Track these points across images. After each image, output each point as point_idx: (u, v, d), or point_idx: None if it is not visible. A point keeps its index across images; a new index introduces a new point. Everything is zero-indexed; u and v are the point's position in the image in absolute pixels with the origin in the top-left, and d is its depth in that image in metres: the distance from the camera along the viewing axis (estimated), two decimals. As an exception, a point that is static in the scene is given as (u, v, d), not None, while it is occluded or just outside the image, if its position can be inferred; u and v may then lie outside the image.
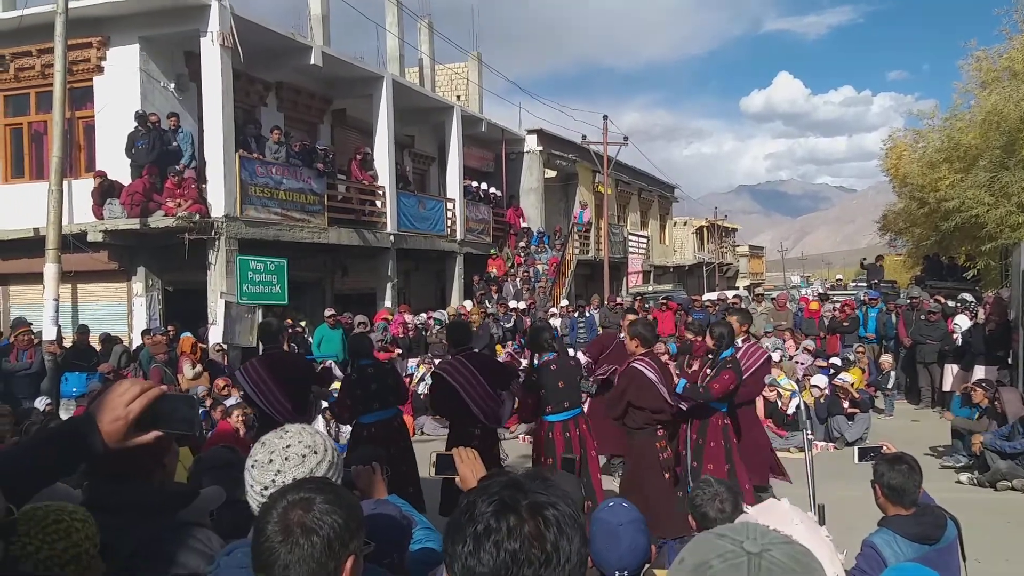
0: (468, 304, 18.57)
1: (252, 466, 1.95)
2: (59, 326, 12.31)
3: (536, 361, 6.89)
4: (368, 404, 7.05)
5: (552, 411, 6.65)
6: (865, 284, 21.82)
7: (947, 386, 12.91)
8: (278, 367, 7.04)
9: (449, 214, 21.22)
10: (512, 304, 18.48)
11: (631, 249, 30.49)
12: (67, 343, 12.60)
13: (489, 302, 19.08)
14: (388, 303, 17.90)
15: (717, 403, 6.79)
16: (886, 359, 13.91)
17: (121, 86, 14.22)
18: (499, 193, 24.60)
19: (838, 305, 16.77)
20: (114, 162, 13.82)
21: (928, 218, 25.30)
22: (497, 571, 1.20)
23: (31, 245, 13.52)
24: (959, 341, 12.99)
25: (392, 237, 18.29)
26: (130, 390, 1.83)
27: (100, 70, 14.47)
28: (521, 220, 24.79)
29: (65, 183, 12.78)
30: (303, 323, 14.97)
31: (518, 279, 22.22)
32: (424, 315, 17.03)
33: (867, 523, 4.02)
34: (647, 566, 2.80)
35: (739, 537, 1.10)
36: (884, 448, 4.22)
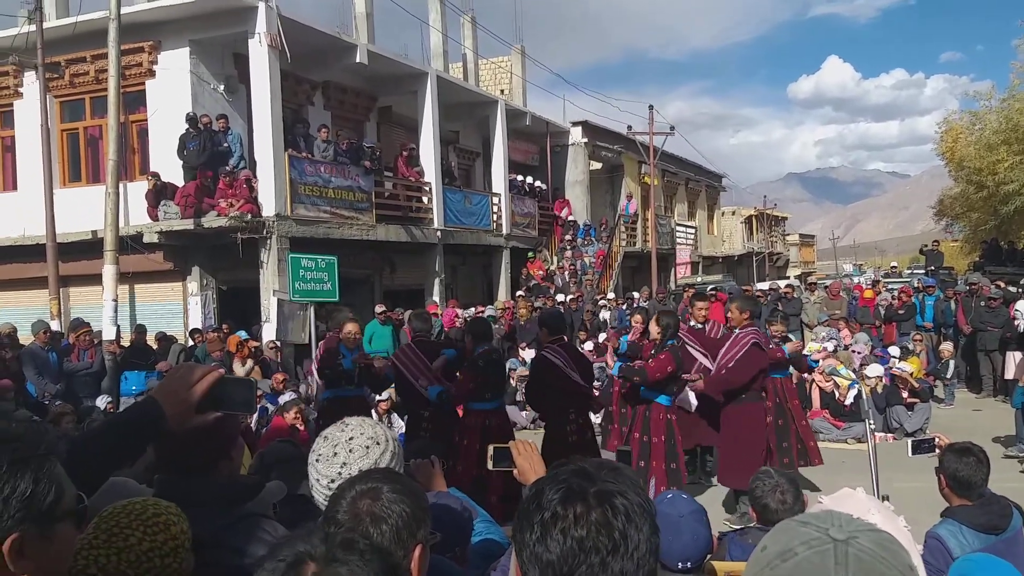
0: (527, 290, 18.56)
1: (316, 460, 1.98)
2: (118, 326, 12.61)
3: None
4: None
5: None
6: (922, 271, 21.35)
7: (1009, 374, 12.51)
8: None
9: (495, 208, 21.24)
10: (559, 298, 18.44)
11: (679, 240, 30.22)
12: (125, 343, 12.90)
13: (540, 295, 19.06)
14: (436, 298, 18.00)
15: (657, 395, 6.93)
16: (946, 347, 13.58)
17: (172, 89, 14.50)
18: (544, 186, 24.54)
19: (894, 293, 16.42)
20: (167, 164, 14.09)
21: (986, 202, 24.67)
22: (564, 558, 1.19)
23: (89, 247, 13.86)
24: (1021, 327, 12.62)
25: (439, 233, 18.37)
26: (191, 373, 1.89)
27: (152, 74, 14.77)
28: (568, 212, 24.63)
29: (121, 186, 13.08)
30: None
31: (566, 272, 22.17)
32: (474, 309, 17.09)
33: (929, 515, 3.94)
34: (708, 557, 2.77)
35: (824, 524, 1.07)
36: (937, 440, 4.13)
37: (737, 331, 7.18)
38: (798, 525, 1.10)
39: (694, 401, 7.25)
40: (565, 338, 7.46)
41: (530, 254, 22.28)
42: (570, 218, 24.89)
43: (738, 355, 6.96)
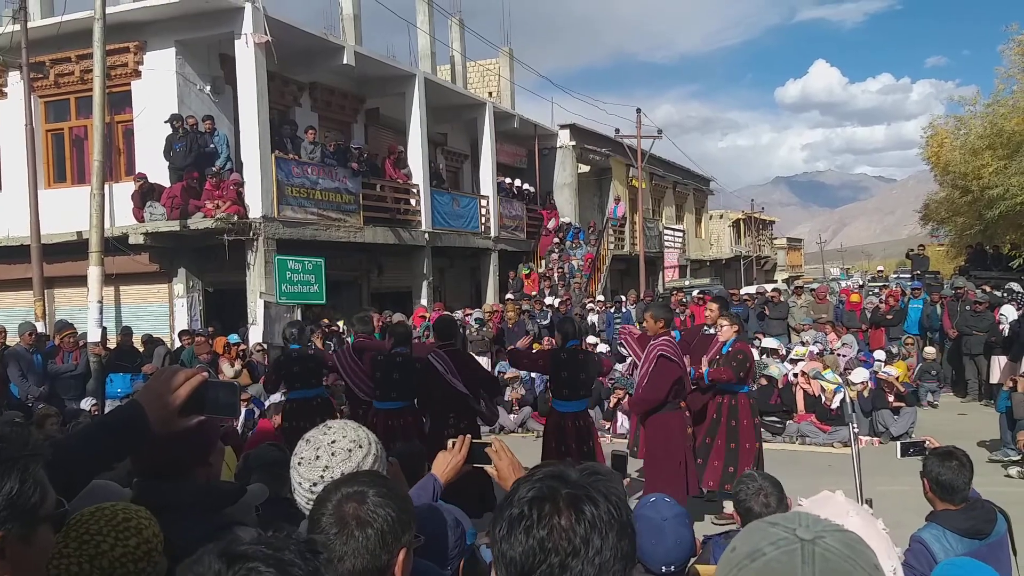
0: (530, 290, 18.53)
1: (299, 463, 1.96)
2: (103, 328, 12.52)
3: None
4: (291, 383, 8.44)
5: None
6: (907, 275, 21.49)
7: (994, 378, 12.63)
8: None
9: (483, 211, 21.24)
10: (548, 300, 18.46)
11: (667, 243, 30.29)
12: (111, 345, 12.82)
13: (526, 298, 19.06)
14: (424, 301, 17.98)
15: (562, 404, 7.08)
16: (929, 351, 13.64)
17: (158, 90, 14.43)
18: (532, 189, 24.56)
19: (881, 297, 16.50)
20: (153, 165, 14.02)
21: (971, 207, 24.86)
22: (526, 556, 1.22)
23: (74, 248, 13.77)
24: (1006, 332, 12.71)
25: (427, 235, 18.35)
26: (175, 377, 1.88)
27: (138, 74, 14.69)
28: (555, 223, 24.42)
29: (106, 187, 13.00)
30: (340, 322, 15.09)
31: (554, 274, 22.17)
32: (460, 312, 17.06)
33: (914, 518, 3.96)
34: (692, 560, 2.77)
35: (791, 524, 1.08)
36: (927, 443, 4.15)
37: (652, 341, 6.98)
38: (767, 526, 1.11)
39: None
40: (455, 345, 7.65)
41: (525, 270, 21.98)
42: (564, 219, 24.87)
43: (649, 371, 6.81)
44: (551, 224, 24.09)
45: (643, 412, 6.99)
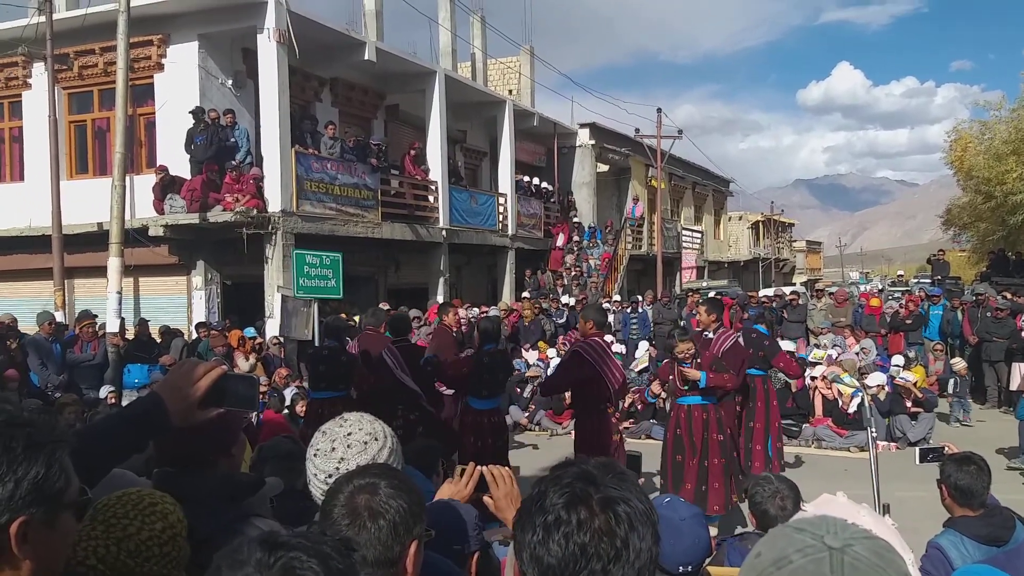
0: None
1: (315, 455, 1.98)
2: (122, 318, 12.61)
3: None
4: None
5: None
6: (927, 280, 21.30)
7: (1014, 385, 12.45)
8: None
9: (501, 209, 21.23)
10: (564, 300, 18.42)
11: (685, 244, 30.19)
12: (129, 335, 12.91)
13: (543, 296, 19.01)
14: (440, 297, 17.97)
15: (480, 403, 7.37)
16: (959, 363, 13.36)
17: (181, 83, 14.52)
18: (551, 188, 24.52)
19: (901, 302, 16.34)
20: (174, 158, 14.10)
21: (994, 212, 24.63)
22: (566, 563, 1.20)
23: (95, 239, 13.88)
24: (1028, 339, 12.58)
25: (444, 232, 18.37)
26: (195, 370, 1.90)
27: (161, 67, 14.78)
28: (564, 239, 23.79)
29: (127, 179, 13.09)
30: (356, 317, 15.13)
31: (569, 275, 22.11)
32: (477, 310, 17.06)
33: (931, 524, 3.92)
34: (707, 561, 2.75)
35: (819, 531, 1.06)
36: (946, 449, 4.11)
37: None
38: (793, 531, 1.08)
39: None
40: (409, 340, 8.10)
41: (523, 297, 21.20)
42: (575, 220, 24.73)
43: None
44: (560, 241, 23.76)
45: (546, 395, 8.43)
